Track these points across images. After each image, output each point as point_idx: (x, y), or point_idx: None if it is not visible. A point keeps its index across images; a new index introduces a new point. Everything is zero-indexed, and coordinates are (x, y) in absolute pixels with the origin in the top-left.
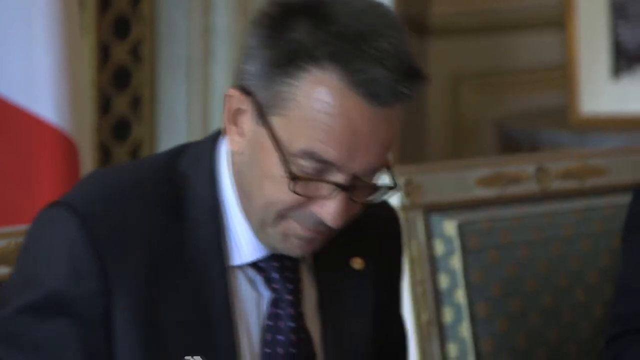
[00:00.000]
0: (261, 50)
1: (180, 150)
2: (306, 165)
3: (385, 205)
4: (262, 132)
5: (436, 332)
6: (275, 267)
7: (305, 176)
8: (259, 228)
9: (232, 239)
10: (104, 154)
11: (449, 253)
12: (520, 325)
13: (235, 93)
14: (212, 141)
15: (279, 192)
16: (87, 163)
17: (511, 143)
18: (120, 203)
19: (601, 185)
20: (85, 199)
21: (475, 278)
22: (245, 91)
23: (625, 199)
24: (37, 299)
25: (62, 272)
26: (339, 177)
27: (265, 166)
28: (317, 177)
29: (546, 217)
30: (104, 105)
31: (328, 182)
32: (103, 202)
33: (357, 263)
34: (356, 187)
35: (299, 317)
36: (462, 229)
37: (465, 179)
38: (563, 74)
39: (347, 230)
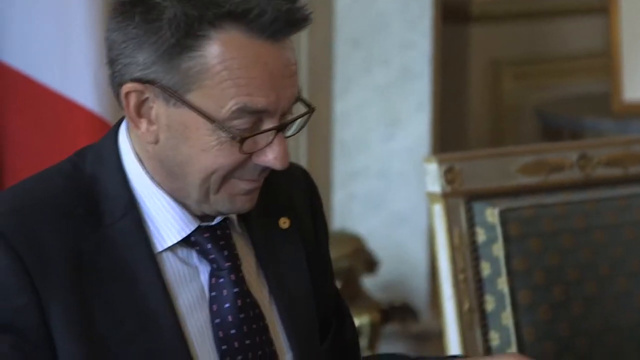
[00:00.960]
0: (145, 38)
1: (82, 154)
2: (240, 123)
3: (296, 165)
4: (181, 112)
5: (478, 320)
6: (207, 238)
7: (249, 134)
8: (202, 200)
9: (154, 226)
10: None
11: (490, 241)
12: (562, 313)
13: (134, 87)
14: (112, 139)
15: (220, 157)
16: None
17: (552, 130)
18: (33, 216)
19: None
20: (4, 219)
21: (517, 266)
22: (145, 82)
23: None
24: None
25: None
26: (273, 121)
27: (196, 141)
28: (254, 131)
29: (589, 204)
30: None
31: (267, 130)
32: (16, 216)
33: (284, 222)
34: (285, 124)
35: (240, 281)
36: (504, 217)
37: (507, 167)
38: (606, 61)
39: (269, 193)
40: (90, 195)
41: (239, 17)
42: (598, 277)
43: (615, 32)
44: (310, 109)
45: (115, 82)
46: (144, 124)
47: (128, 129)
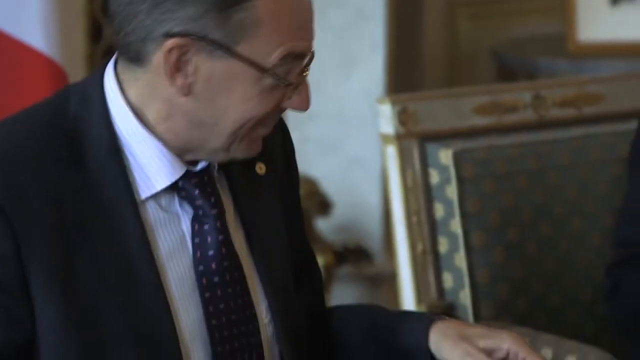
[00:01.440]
0: None
1: (64, 95)
2: (283, 70)
3: None
4: (227, 64)
5: (431, 262)
6: (194, 184)
7: (298, 79)
8: (223, 149)
9: (139, 172)
10: None
11: (444, 182)
12: (516, 255)
13: (176, 43)
14: (98, 82)
15: (257, 107)
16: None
17: (508, 71)
18: (13, 161)
19: (599, 113)
20: None
21: (471, 207)
22: (192, 36)
23: (623, 126)
24: None
25: None
26: (300, 65)
27: (239, 92)
28: (288, 77)
29: (543, 145)
30: (96, 34)
31: (303, 71)
32: (4, 164)
33: (260, 168)
34: (308, 68)
35: (225, 229)
36: (457, 158)
37: (461, 108)
38: (561, 1)
39: None
40: (73, 137)
41: None
42: (553, 218)
43: None
44: (312, 53)
45: (143, 29)
46: (180, 79)
47: (116, 73)
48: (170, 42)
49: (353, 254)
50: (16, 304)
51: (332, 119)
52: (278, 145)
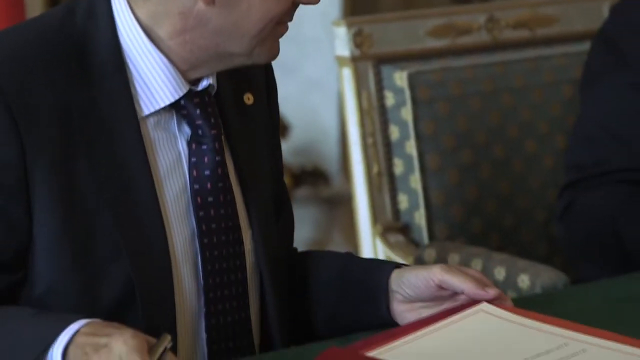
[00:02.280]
0: None
1: (72, 8)
2: None
3: None
4: None
5: (386, 183)
6: (196, 103)
7: None
8: (248, 53)
9: (142, 89)
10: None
11: (399, 104)
12: (470, 177)
13: None
14: None
15: (278, 5)
16: (36, 6)
17: None
18: (24, 65)
19: (552, 35)
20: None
21: (425, 130)
22: None
23: (576, 48)
24: None
25: None
26: None
27: None
28: None
29: (497, 67)
30: None
31: None
32: (9, 66)
33: (248, 99)
34: None
35: (221, 151)
36: (412, 80)
37: (416, 30)
38: None
39: (235, 70)
40: (80, 50)
41: None
42: (507, 140)
43: None
44: None
45: None
46: None
47: None
48: None
49: (310, 176)
50: (16, 208)
51: (289, 41)
52: (262, 80)
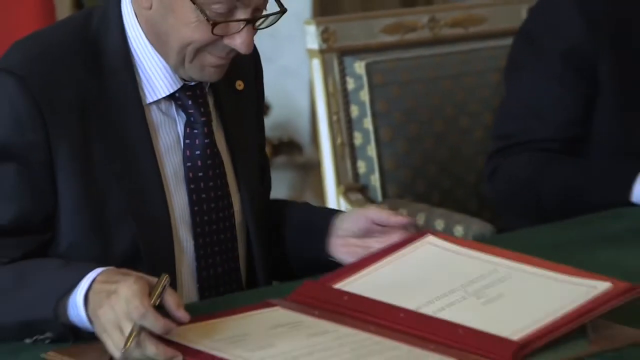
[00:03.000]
0: None
1: (90, 13)
2: (217, 7)
3: None
4: None
5: (348, 152)
6: (189, 95)
7: (220, 19)
8: (178, 65)
9: (145, 80)
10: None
11: (358, 88)
12: (416, 147)
13: None
14: (116, 4)
15: (196, 33)
16: (64, 8)
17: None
18: (50, 62)
19: (482, 32)
20: (20, 61)
21: (380, 108)
22: None
23: (501, 42)
24: None
25: (7, 127)
26: (245, 13)
27: (180, 16)
28: (229, 17)
29: (437, 58)
30: None
31: (238, 20)
32: (36, 62)
33: (239, 85)
34: (256, 18)
35: (210, 134)
36: (369, 69)
37: (372, 28)
38: None
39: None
40: (95, 49)
41: None
42: (445, 117)
43: None
44: (282, 10)
45: None
46: None
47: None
48: None
49: (287, 147)
50: (44, 181)
51: (269, 37)
52: (252, 69)
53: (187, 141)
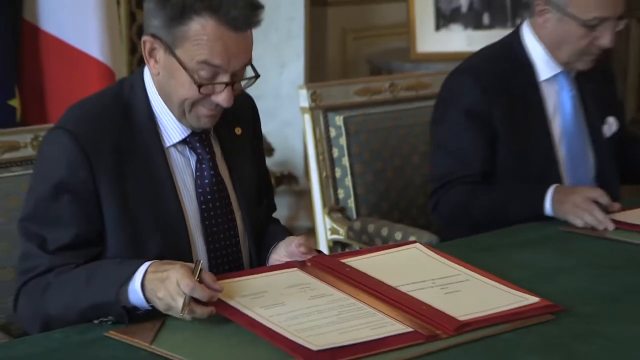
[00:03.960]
0: (159, 11)
1: (122, 82)
2: (204, 73)
3: (246, 93)
4: (172, 60)
5: (331, 183)
6: (196, 139)
7: (205, 82)
8: (181, 117)
9: (164, 130)
10: None
11: (338, 135)
12: (381, 177)
13: (148, 39)
14: (140, 75)
15: (189, 92)
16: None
17: (376, 70)
18: (93, 121)
19: (428, 94)
20: (72, 121)
21: (354, 150)
22: (155, 37)
23: None
24: (51, 187)
25: (63, 169)
26: (225, 78)
27: (177, 79)
28: (212, 81)
29: (395, 113)
30: (132, 49)
31: (219, 83)
32: (83, 121)
33: (238, 130)
34: (235, 81)
35: (215, 167)
36: (346, 121)
37: (348, 91)
38: (407, 29)
39: (230, 111)
40: (126, 109)
41: (214, 12)
42: (402, 156)
43: (412, 12)
44: (256, 76)
45: (143, 34)
46: (152, 63)
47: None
48: (145, 38)
49: (286, 178)
50: (93, 208)
51: (274, 97)
52: (250, 116)
53: (198, 173)
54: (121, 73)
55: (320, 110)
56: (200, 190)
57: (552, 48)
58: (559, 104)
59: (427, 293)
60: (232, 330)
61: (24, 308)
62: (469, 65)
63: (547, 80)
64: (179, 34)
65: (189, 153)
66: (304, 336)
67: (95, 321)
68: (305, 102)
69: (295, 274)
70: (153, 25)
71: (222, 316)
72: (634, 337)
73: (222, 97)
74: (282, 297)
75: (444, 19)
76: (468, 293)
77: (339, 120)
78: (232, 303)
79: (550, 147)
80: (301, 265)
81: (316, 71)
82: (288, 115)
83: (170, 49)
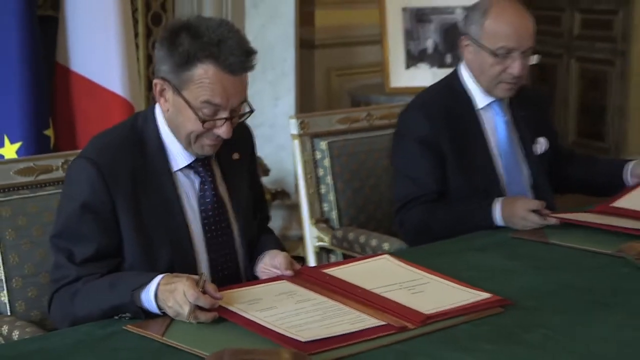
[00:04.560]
0: (168, 58)
1: (138, 114)
2: (206, 110)
3: (243, 123)
4: (179, 99)
5: (317, 198)
6: (200, 164)
7: (208, 118)
8: (187, 146)
9: (172, 157)
10: None
11: (323, 158)
12: (359, 194)
13: (159, 81)
14: (152, 110)
15: (195, 126)
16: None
17: (356, 103)
18: (112, 150)
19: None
20: (94, 151)
21: (336, 170)
22: (165, 80)
23: None
24: (77, 208)
25: (87, 192)
26: (225, 114)
27: (184, 115)
28: (213, 117)
29: (371, 139)
30: (149, 86)
31: (220, 118)
32: (104, 151)
33: (236, 155)
34: (234, 116)
35: (216, 189)
36: (329, 146)
37: (331, 120)
38: (382, 67)
39: (229, 139)
40: (140, 140)
41: (215, 59)
42: (376, 176)
43: (386, 53)
44: (250, 111)
45: (155, 77)
46: (162, 101)
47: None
48: (155, 81)
49: (280, 194)
50: (111, 223)
51: (270, 126)
52: (245, 142)
53: (201, 193)
54: (139, 107)
55: (308, 137)
56: (202, 208)
57: (476, 77)
58: (495, 128)
59: (396, 294)
60: (231, 325)
61: (56, 311)
62: (419, 102)
63: (483, 108)
64: (185, 77)
65: (193, 176)
66: (294, 331)
67: (116, 317)
68: (295, 129)
69: (284, 284)
70: (162, 70)
71: (223, 318)
72: (571, 326)
73: (223, 130)
74: (273, 302)
75: (413, 59)
76: (430, 292)
77: (323, 145)
78: (231, 308)
79: (491, 165)
80: (289, 277)
81: (306, 103)
82: (282, 141)
83: (177, 91)
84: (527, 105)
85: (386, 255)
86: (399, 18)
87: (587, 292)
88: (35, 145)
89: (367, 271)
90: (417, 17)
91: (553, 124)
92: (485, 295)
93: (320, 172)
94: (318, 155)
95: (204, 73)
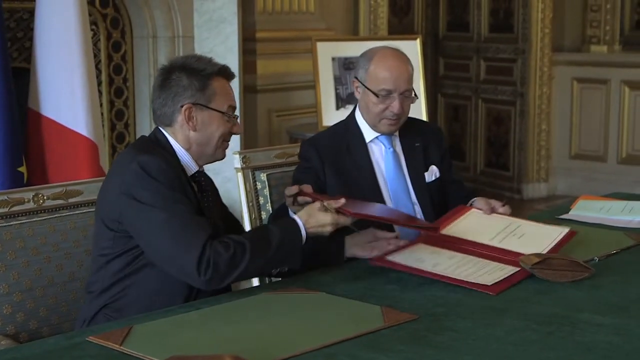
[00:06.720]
0: (188, 86)
1: (151, 136)
2: (230, 112)
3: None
4: (208, 113)
5: (258, 222)
6: (201, 173)
7: (232, 119)
8: (213, 153)
9: (186, 167)
10: (112, 151)
11: (263, 188)
12: None
13: (187, 106)
14: (160, 132)
15: (224, 129)
16: (104, 157)
17: (294, 139)
18: (151, 155)
19: None
20: (147, 158)
21: (274, 198)
22: (192, 103)
23: None
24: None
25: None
26: (234, 111)
27: (215, 124)
28: (232, 116)
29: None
30: (112, 127)
31: (236, 116)
32: (146, 154)
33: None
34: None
35: (215, 194)
36: (268, 177)
37: (270, 155)
38: (316, 109)
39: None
40: (162, 153)
41: (221, 73)
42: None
43: (319, 97)
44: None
45: (170, 106)
46: (191, 123)
47: (169, 128)
48: (185, 107)
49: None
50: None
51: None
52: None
53: (204, 197)
54: (102, 146)
55: (250, 170)
56: (205, 206)
57: (364, 114)
58: (382, 158)
59: (509, 241)
60: (187, 334)
61: (220, 261)
62: (314, 136)
63: (372, 141)
64: (209, 92)
65: (200, 182)
66: (472, 279)
67: (274, 271)
68: (238, 164)
69: (422, 246)
70: (186, 96)
71: (178, 328)
72: (473, 329)
73: (237, 128)
74: (421, 256)
75: (342, 101)
76: (529, 234)
77: (263, 176)
78: (398, 260)
79: (378, 191)
80: (423, 239)
81: (250, 141)
82: (228, 174)
83: (205, 105)
84: (418, 137)
85: (473, 209)
86: (329, 66)
87: (488, 299)
88: (10, 180)
89: (470, 224)
90: (345, 65)
91: (447, 155)
92: (565, 230)
93: (261, 200)
94: (259, 186)
95: (220, 85)
